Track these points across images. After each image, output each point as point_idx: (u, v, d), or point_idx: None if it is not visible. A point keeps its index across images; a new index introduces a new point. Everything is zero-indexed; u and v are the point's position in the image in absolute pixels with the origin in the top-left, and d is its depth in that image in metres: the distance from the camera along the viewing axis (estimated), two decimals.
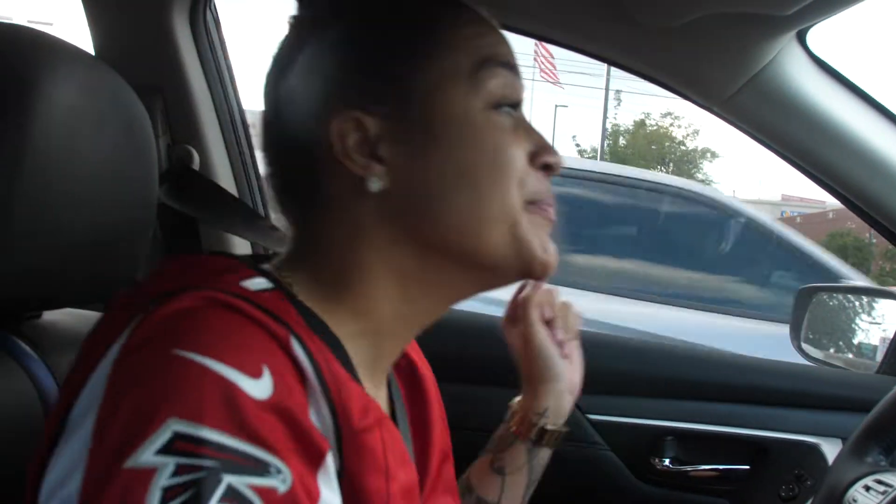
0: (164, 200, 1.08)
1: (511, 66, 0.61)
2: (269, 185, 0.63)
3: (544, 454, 0.81)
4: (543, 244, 0.61)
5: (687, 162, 31.56)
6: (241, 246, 1.26)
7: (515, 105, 0.60)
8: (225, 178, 1.23)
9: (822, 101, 0.97)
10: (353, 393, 0.52)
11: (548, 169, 0.62)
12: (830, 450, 1.13)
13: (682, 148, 32.49)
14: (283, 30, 0.62)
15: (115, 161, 0.71)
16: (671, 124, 33.63)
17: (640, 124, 32.21)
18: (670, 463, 1.19)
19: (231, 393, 0.43)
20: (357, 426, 0.51)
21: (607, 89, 18.47)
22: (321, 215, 0.59)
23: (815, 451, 1.14)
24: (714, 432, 1.18)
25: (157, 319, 0.48)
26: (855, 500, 0.82)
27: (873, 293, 1.35)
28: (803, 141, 0.99)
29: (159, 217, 1.14)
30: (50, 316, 0.77)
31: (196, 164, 1.17)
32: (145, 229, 0.77)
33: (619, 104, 27.89)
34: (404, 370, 0.72)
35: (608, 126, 25.09)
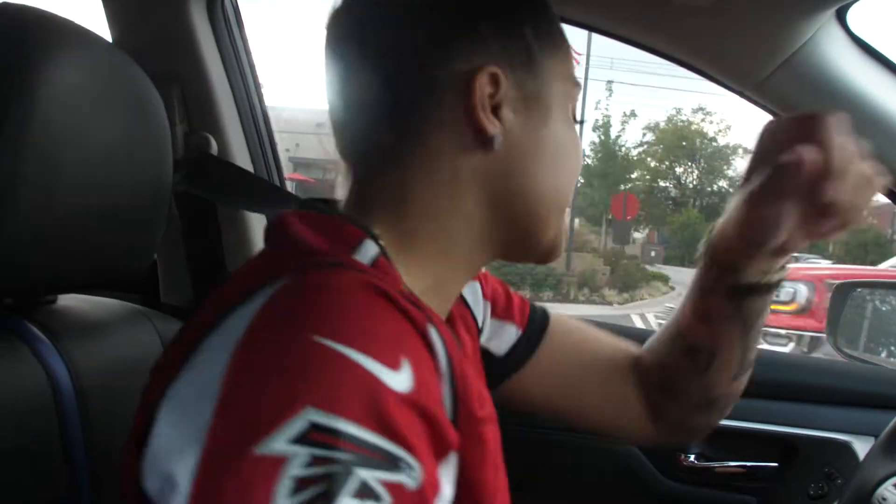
0: (180, 187, 1.07)
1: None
2: (353, 124, 0.60)
3: (762, 303, 0.73)
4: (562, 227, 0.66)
5: (718, 158, 31.22)
6: (258, 227, 1.24)
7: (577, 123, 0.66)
8: (243, 164, 1.21)
9: (862, 83, 0.92)
10: (471, 382, 0.51)
11: None
12: (862, 448, 1.09)
13: (714, 144, 32.47)
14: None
15: (127, 145, 0.69)
16: (703, 120, 33.38)
17: (669, 120, 31.97)
18: (696, 459, 1.17)
19: (372, 387, 0.42)
20: (478, 415, 0.51)
21: (586, 78, 18.19)
22: (418, 163, 0.58)
23: (846, 448, 1.10)
24: (742, 428, 1.15)
25: (293, 295, 0.46)
26: (885, 499, 0.79)
27: None
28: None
29: (178, 204, 1.14)
30: (65, 302, 0.76)
31: (214, 152, 1.16)
32: (159, 214, 0.76)
33: (610, 95, 27.69)
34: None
35: (599, 118, 24.87)
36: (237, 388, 0.43)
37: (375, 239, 0.54)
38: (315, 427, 0.40)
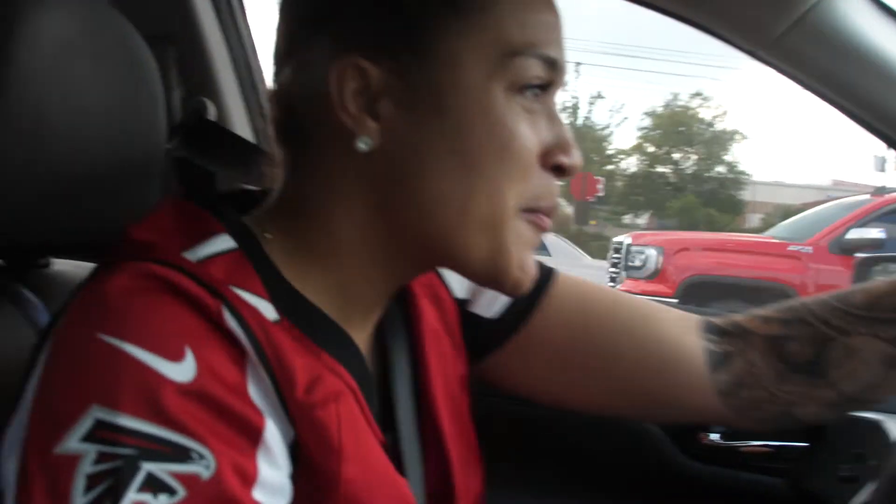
0: (177, 153, 1.04)
1: (554, 63, 0.55)
2: (271, 127, 0.60)
3: None
4: (522, 261, 0.56)
5: (716, 144, 31.05)
6: None
7: (544, 87, 0.55)
8: (242, 130, 1.19)
9: (879, 41, 0.89)
10: (296, 364, 0.50)
11: (559, 171, 0.56)
12: (894, 427, 1.03)
13: (711, 130, 32.19)
14: None
15: (117, 102, 0.68)
16: (700, 105, 33.22)
17: (667, 105, 31.74)
18: (720, 438, 1.12)
19: (148, 378, 0.43)
20: (302, 399, 0.49)
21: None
22: (305, 165, 0.56)
23: (876, 428, 1.03)
24: None
25: (87, 297, 0.48)
26: None
27: None
28: (860, 86, 0.91)
29: (176, 171, 1.11)
30: (59, 267, 0.74)
31: (212, 116, 1.13)
32: (150, 177, 0.74)
33: (577, 76, 27.46)
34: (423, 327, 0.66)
35: (567, 100, 24.71)
36: (41, 391, 0.45)
37: (238, 231, 0.53)
38: (99, 424, 0.42)
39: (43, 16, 0.59)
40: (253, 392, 0.47)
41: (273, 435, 0.47)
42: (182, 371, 0.44)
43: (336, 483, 0.49)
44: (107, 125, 0.67)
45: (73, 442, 0.42)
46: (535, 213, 0.56)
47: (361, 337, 0.59)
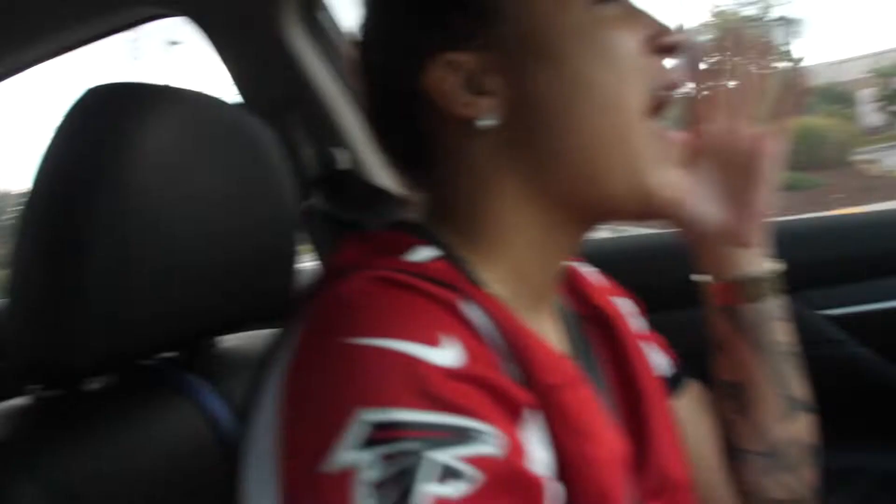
0: (319, 208, 1.09)
1: None
2: (383, 154, 0.60)
3: (756, 312, 0.65)
4: (661, 177, 0.55)
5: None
6: None
7: None
8: (381, 172, 1.22)
9: None
10: (538, 347, 0.49)
11: (670, 51, 0.56)
12: None
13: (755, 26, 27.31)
14: None
15: (243, 186, 0.70)
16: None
17: None
18: None
19: (414, 367, 0.41)
20: (547, 381, 0.48)
21: None
22: (441, 169, 0.56)
23: None
24: None
25: (321, 310, 0.46)
26: None
27: None
28: None
29: (308, 225, 1.17)
30: (224, 343, 0.79)
31: (347, 164, 1.18)
32: (290, 243, 0.77)
33: None
34: (593, 322, 0.65)
35: None
36: (291, 416, 0.43)
37: (431, 243, 0.53)
38: (374, 426, 0.39)
39: (157, 128, 0.63)
40: (510, 375, 0.47)
41: (531, 415, 0.46)
42: (445, 355, 0.42)
43: (582, 464, 0.48)
44: (236, 208, 0.69)
45: (344, 455, 0.39)
46: (663, 101, 0.55)
47: (546, 323, 0.59)
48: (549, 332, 0.58)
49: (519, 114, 0.52)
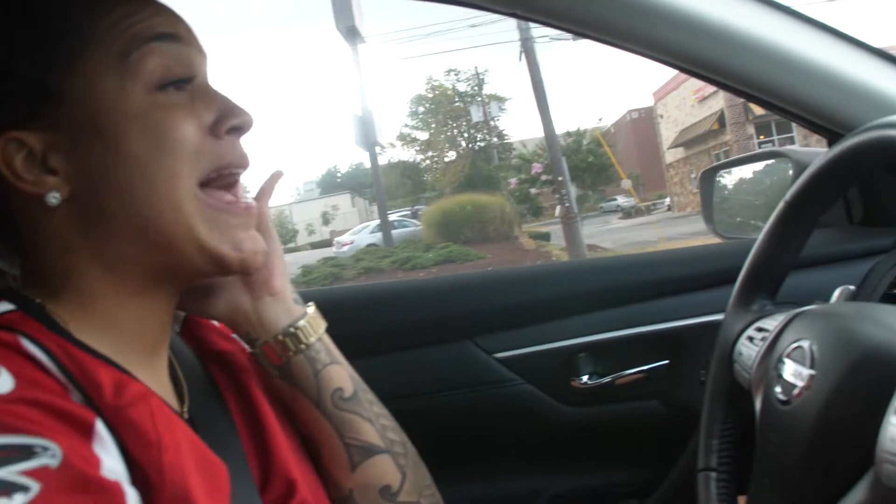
0: None
1: (172, 36, 0.59)
2: None
3: (302, 364, 0.69)
4: (234, 241, 0.61)
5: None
6: None
7: (186, 79, 0.60)
8: None
9: None
10: (100, 372, 0.54)
11: (238, 131, 0.62)
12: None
13: (468, 101, 31.58)
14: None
15: None
16: (456, 80, 32.69)
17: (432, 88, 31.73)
18: (589, 379, 1.15)
19: None
20: (112, 402, 0.53)
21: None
22: (27, 239, 0.59)
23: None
24: (625, 336, 1.14)
25: None
26: (741, 354, 0.76)
27: (762, 157, 1.32)
28: (624, 24, 0.92)
29: None
30: None
31: None
32: None
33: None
34: (216, 359, 0.72)
35: None
36: None
37: (11, 300, 0.56)
38: None
39: None
40: (74, 399, 0.52)
41: (101, 430, 0.51)
42: (1, 385, 0.47)
43: (161, 472, 0.52)
44: None
45: None
46: (220, 177, 0.61)
47: (150, 375, 0.61)
48: (161, 373, 0.64)
49: (85, 189, 0.57)
